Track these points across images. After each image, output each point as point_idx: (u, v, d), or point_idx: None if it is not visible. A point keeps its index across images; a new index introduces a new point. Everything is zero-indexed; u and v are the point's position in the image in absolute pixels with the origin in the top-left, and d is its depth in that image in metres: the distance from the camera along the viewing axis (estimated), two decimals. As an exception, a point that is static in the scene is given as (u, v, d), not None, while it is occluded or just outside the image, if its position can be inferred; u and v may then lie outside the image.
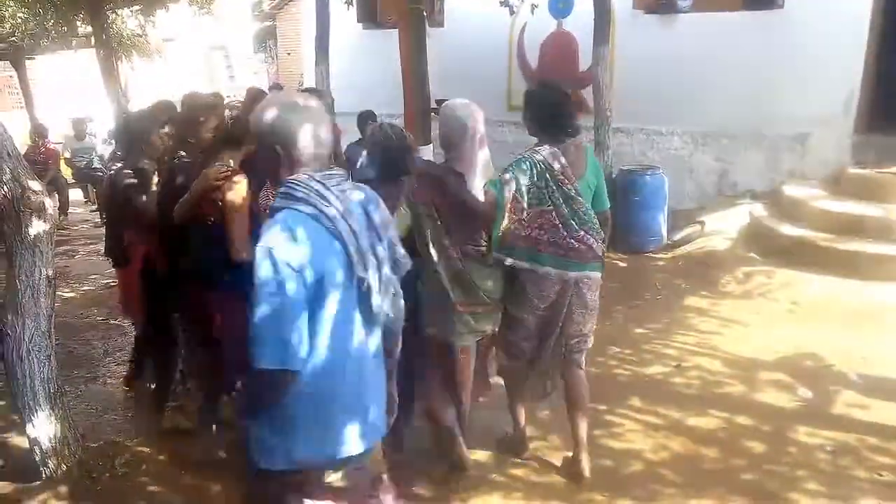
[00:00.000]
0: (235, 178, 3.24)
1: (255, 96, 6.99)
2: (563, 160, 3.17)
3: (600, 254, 3.28)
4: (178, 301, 3.68)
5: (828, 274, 5.83)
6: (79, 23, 10.31)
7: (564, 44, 8.81)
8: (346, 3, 9.15)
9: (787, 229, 6.50)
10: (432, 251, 3.14)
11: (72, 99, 13.12)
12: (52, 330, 3.45)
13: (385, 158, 3.11)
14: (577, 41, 8.60)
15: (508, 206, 3.17)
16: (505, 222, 3.20)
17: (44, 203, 3.30)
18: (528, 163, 3.18)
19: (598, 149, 6.86)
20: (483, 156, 3.16)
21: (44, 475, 3.47)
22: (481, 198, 3.14)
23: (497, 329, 3.40)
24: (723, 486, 3.37)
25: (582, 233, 3.19)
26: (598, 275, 3.31)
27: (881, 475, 3.41)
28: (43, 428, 3.41)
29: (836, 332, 5.01)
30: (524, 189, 3.16)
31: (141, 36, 11.57)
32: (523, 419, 3.65)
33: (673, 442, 3.75)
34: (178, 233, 3.46)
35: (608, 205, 3.41)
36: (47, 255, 3.35)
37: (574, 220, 3.17)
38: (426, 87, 6.83)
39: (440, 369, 3.34)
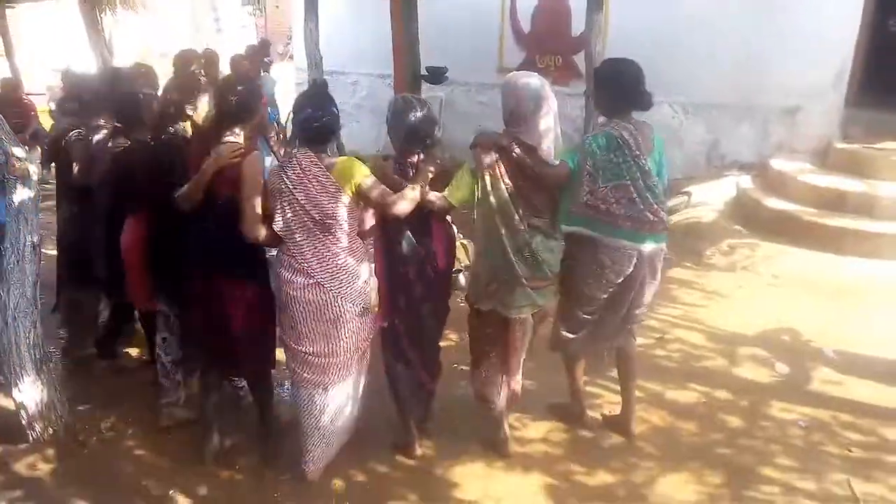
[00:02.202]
0: (252, 154, 3.12)
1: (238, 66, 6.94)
2: (636, 135, 3.19)
3: (667, 225, 3.36)
4: (171, 284, 3.55)
5: (811, 248, 5.90)
6: (62, -28, 10.05)
7: (557, 9, 8.69)
8: (336, -41, 8.98)
9: (773, 202, 6.54)
10: (499, 223, 3.11)
11: (55, 50, 12.86)
12: (38, 296, 3.46)
13: (409, 129, 3.15)
14: (569, 7, 8.50)
15: (584, 180, 3.18)
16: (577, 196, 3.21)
17: (28, 170, 3.29)
18: (604, 137, 3.19)
19: (588, 116, 6.83)
20: (555, 129, 3.13)
21: (31, 438, 3.52)
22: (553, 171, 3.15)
23: (558, 303, 3.43)
24: (699, 460, 3.47)
25: (655, 206, 3.24)
26: (664, 246, 3.40)
27: (851, 451, 3.52)
28: (29, 392, 3.44)
29: (816, 308, 5.09)
30: (601, 162, 3.17)
31: (126, -13, 11.28)
32: (582, 389, 3.74)
33: (652, 415, 3.83)
34: (169, 213, 3.30)
35: (667, 178, 3.45)
36: (32, 221, 3.34)
37: (648, 193, 3.22)
38: (417, 53, 6.74)
39: (494, 345, 3.35)
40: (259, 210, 3.05)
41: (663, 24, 7.60)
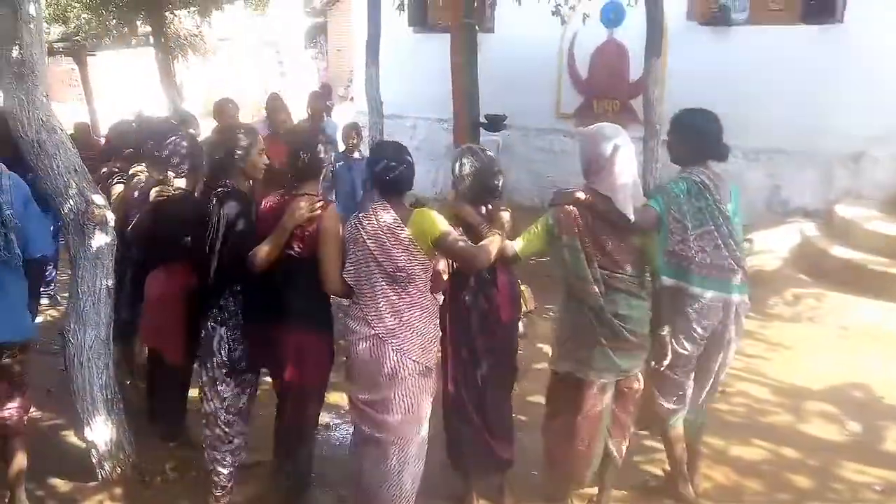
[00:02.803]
0: (329, 209, 3.07)
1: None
2: (716, 181, 3.17)
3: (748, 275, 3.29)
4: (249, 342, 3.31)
5: (881, 299, 5.72)
6: (139, 22, 10.61)
7: (615, 54, 8.74)
8: (397, 7, 9.22)
9: (839, 251, 6.37)
10: (579, 281, 3.03)
11: (129, 95, 13.49)
12: (111, 338, 3.59)
13: (475, 182, 3.19)
14: (627, 51, 8.53)
15: (670, 227, 3.13)
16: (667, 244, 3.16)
17: (106, 216, 3.43)
18: (684, 182, 3.16)
19: (647, 161, 6.80)
20: (634, 179, 3.05)
21: (100, 476, 3.61)
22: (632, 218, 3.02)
23: (652, 368, 3.24)
24: (765, 522, 3.35)
25: (738, 254, 3.19)
26: (748, 298, 3.29)
27: (930, 518, 3.35)
28: (100, 432, 3.55)
29: (887, 362, 4.91)
30: (685, 208, 3.13)
31: (197, 35, 11.83)
32: (684, 462, 3.45)
33: (715, 471, 3.72)
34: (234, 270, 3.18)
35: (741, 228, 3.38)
36: (108, 266, 3.48)
37: (731, 240, 3.16)
38: (476, 101, 6.84)
39: (569, 411, 3.16)
40: (339, 266, 3.03)
41: (722, 68, 7.56)
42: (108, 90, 14.38)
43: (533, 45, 9.03)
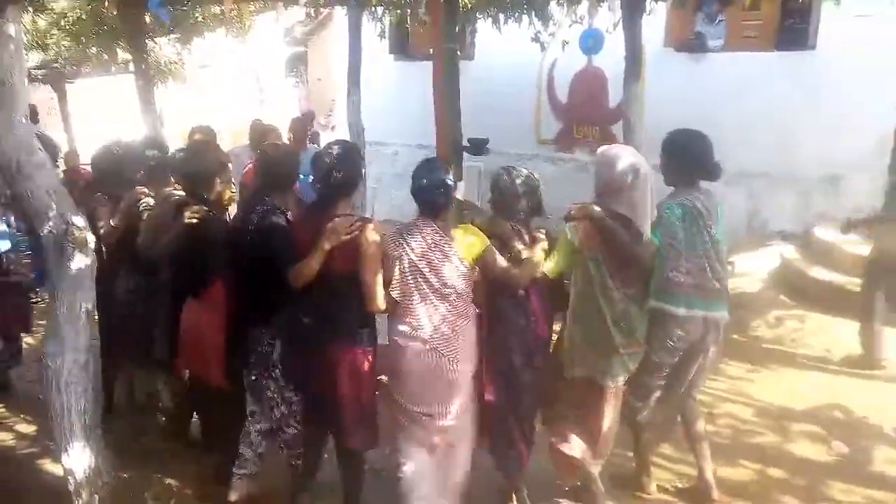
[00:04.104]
0: (369, 226, 3.07)
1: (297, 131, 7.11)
2: (708, 205, 3.23)
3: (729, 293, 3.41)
4: (283, 360, 3.38)
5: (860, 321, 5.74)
6: (119, 49, 10.56)
7: (594, 80, 8.86)
8: (378, 35, 9.30)
9: (819, 273, 6.44)
10: (597, 293, 3.15)
11: (108, 121, 13.39)
12: (90, 362, 3.50)
13: (523, 200, 3.26)
14: (606, 77, 8.66)
15: (667, 254, 3.21)
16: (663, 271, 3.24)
17: (86, 238, 3.37)
18: (679, 207, 3.23)
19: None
20: (650, 204, 3.14)
21: (76, 504, 3.50)
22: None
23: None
24: (755, 542, 3.33)
25: (722, 275, 3.28)
26: (727, 314, 3.41)
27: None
28: (78, 459, 3.44)
29: (870, 383, 4.93)
30: (680, 235, 3.20)
31: (177, 63, 11.80)
32: (648, 459, 3.73)
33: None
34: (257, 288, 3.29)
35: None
36: (88, 288, 3.40)
37: (718, 263, 3.26)
38: (459, 127, 6.88)
39: (584, 413, 3.33)
40: (379, 282, 3.05)
41: (702, 93, 7.69)
42: (87, 117, 14.27)
43: (513, 71, 9.15)
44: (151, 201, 4.05)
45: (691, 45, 8.22)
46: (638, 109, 6.98)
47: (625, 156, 3.14)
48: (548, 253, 3.22)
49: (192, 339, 3.62)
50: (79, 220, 3.36)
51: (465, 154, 7.52)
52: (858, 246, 6.53)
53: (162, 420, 4.38)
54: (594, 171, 3.24)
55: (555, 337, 3.50)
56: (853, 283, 6.09)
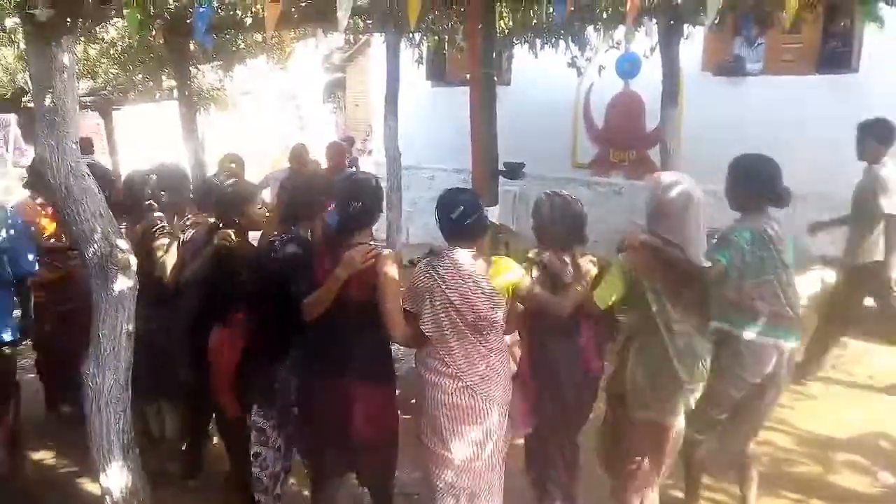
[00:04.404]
0: (385, 254, 3.01)
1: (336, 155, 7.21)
2: (778, 230, 3.20)
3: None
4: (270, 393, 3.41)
5: (906, 348, 5.62)
6: (163, 76, 10.89)
7: (631, 104, 8.84)
8: (416, 61, 9.41)
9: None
10: (660, 326, 2.98)
11: (152, 147, 13.77)
12: (129, 382, 3.58)
13: (571, 226, 3.18)
14: (643, 101, 8.63)
15: (731, 276, 3.15)
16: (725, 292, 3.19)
17: (129, 261, 3.46)
18: (748, 232, 3.18)
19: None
20: (703, 230, 3.04)
21: (114, 524, 3.56)
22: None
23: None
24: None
25: (795, 301, 3.22)
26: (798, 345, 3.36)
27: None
28: (115, 478, 3.50)
29: (916, 411, 4.79)
30: (748, 259, 3.15)
31: (219, 89, 12.11)
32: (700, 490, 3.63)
33: (743, 524, 3.61)
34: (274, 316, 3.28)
35: None
36: (130, 310, 3.48)
37: (789, 289, 3.20)
38: (495, 149, 6.91)
39: (649, 455, 3.14)
40: (401, 311, 2.97)
41: (738, 118, 7.61)
42: (132, 143, 14.69)
43: (549, 96, 9.18)
44: (167, 227, 4.03)
45: (730, 68, 8.16)
46: (675, 133, 6.96)
47: (678, 182, 3.03)
48: (596, 281, 3.10)
49: (219, 367, 3.61)
50: (122, 243, 3.45)
51: (500, 178, 7.55)
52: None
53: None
54: (647, 197, 3.14)
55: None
56: (897, 309, 5.94)
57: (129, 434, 3.57)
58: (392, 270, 2.97)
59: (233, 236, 3.57)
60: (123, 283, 3.44)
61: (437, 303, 2.91)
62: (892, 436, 4.49)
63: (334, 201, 3.40)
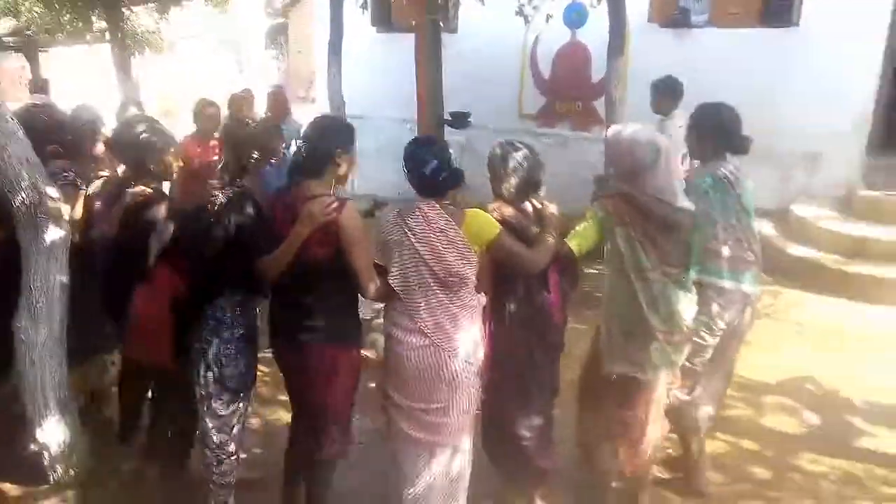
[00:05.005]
0: (348, 206, 2.77)
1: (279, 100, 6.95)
2: (738, 174, 3.20)
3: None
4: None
5: (835, 296, 5.89)
6: (94, 18, 10.35)
7: (578, 54, 8.81)
8: (360, 6, 9.16)
9: (795, 249, 6.52)
10: (630, 273, 2.93)
11: (83, 92, 13.18)
12: (65, 335, 3.47)
13: (526, 175, 3.02)
14: (590, 52, 8.61)
15: (702, 224, 3.10)
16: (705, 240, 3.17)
17: (60, 210, 3.32)
18: (710, 177, 3.19)
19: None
20: (674, 177, 2.98)
21: (52, 479, 3.49)
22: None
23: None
24: (727, 512, 3.38)
25: (756, 246, 3.24)
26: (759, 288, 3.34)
27: (886, 507, 3.43)
28: (52, 433, 3.43)
29: (842, 357, 5.02)
30: (714, 205, 3.15)
31: (155, 32, 11.60)
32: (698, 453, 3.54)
33: (680, 465, 3.73)
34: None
35: None
36: (62, 261, 3.37)
37: (749, 232, 3.22)
38: (441, 100, 6.83)
39: (625, 415, 3.08)
40: (371, 264, 2.82)
41: (683, 69, 7.64)
42: (62, 87, 14.02)
43: (496, 45, 9.06)
44: (71, 175, 3.65)
45: (675, 20, 8.19)
46: (621, 85, 6.98)
47: (641, 136, 2.93)
48: (561, 229, 3.00)
49: (143, 325, 3.27)
50: (52, 192, 3.31)
51: (446, 127, 7.49)
52: (837, 222, 6.62)
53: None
54: (609, 155, 3.10)
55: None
56: (829, 259, 6.20)
57: (65, 388, 3.49)
58: (358, 223, 2.78)
59: (147, 190, 3.26)
60: (55, 233, 3.32)
61: (406, 257, 2.78)
62: (819, 379, 4.70)
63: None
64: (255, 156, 3.11)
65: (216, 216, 2.92)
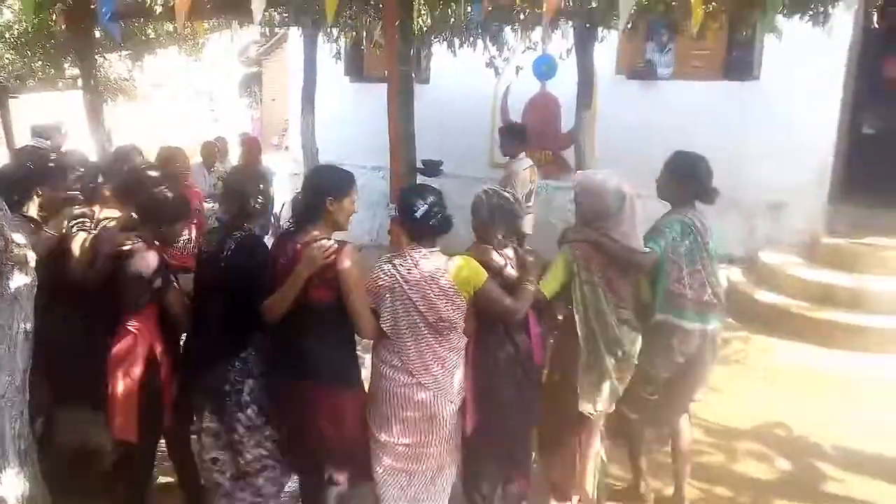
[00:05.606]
0: (347, 249, 2.87)
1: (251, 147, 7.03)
2: (704, 222, 3.35)
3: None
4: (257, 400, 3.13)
5: (803, 342, 5.97)
6: (66, 65, 10.35)
7: (547, 105, 9.00)
8: (333, 56, 9.29)
9: (763, 296, 6.62)
10: (591, 317, 3.12)
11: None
12: (27, 384, 3.37)
13: (501, 225, 3.13)
14: (559, 103, 8.80)
15: (667, 268, 3.28)
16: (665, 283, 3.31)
17: (26, 256, 3.27)
18: (678, 224, 3.32)
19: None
20: (637, 223, 3.16)
21: (8, 535, 3.36)
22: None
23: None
24: (702, 561, 3.36)
25: (718, 289, 3.36)
26: (720, 327, 3.52)
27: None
28: (11, 485, 3.30)
29: (811, 402, 5.07)
30: (680, 250, 3.28)
31: (128, 80, 11.63)
32: (643, 468, 3.79)
33: (652, 512, 3.73)
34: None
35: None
36: (27, 308, 3.29)
37: (714, 277, 3.35)
38: (413, 149, 6.90)
39: (572, 439, 3.30)
40: (368, 308, 2.90)
41: (650, 120, 7.87)
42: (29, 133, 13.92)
43: (467, 96, 9.23)
44: (89, 222, 3.67)
45: (642, 72, 8.43)
46: (589, 135, 7.13)
47: (609, 182, 3.14)
48: (539, 275, 3.14)
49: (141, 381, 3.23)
50: (19, 238, 3.26)
51: (418, 175, 7.54)
52: (802, 269, 6.75)
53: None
54: (577, 200, 3.23)
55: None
56: (796, 305, 6.30)
57: (26, 439, 3.38)
58: (355, 266, 2.86)
59: (136, 241, 3.24)
60: (20, 280, 3.24)
61: (398, 302, 2.86)
62: (788, 424, 4.73)
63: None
64: (260, 200, 3.22)
65: (228, 260, 3.04)
